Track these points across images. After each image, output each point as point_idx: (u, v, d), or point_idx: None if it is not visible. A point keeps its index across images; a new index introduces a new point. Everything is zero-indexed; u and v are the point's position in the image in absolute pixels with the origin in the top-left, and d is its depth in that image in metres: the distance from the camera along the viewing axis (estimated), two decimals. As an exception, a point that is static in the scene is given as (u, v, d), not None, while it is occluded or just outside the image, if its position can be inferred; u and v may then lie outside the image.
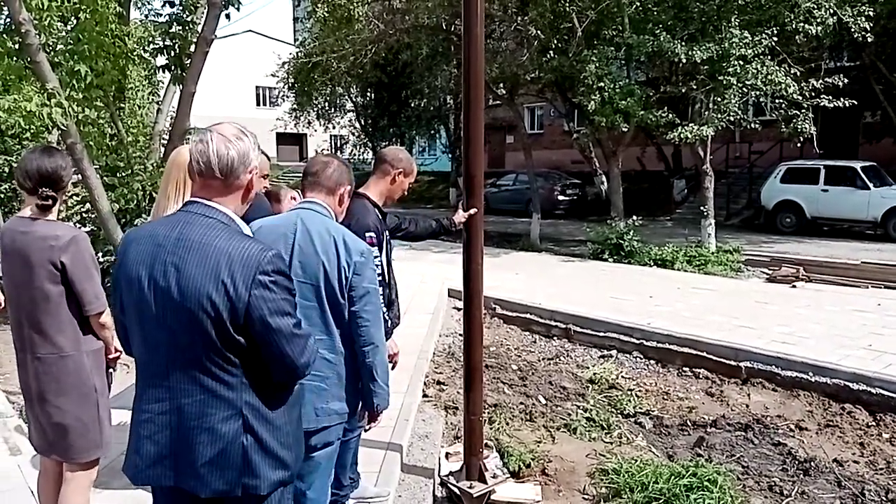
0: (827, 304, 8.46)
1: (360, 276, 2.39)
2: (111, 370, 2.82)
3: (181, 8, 8.37)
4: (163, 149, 8.41)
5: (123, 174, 7.92)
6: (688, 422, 5.37)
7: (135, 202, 7.64)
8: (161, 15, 8.65)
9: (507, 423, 5.18)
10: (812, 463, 4.53)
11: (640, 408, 5.60)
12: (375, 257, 2.97)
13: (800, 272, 10.68)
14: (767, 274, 11.13)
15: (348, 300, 2.40)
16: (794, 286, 9.92)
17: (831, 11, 11.05)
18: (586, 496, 4.20)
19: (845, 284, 10.10)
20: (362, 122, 28.35)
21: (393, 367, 3.14)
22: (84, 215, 7.49)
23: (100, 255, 7.83)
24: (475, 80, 3.69)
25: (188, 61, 7.78)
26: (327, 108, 27.40)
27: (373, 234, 3.01)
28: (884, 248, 12.69)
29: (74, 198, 7.75)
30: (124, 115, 8.67)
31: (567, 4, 12.96)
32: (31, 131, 8.82)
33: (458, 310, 7.77)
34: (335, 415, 2.45)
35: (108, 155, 7.98)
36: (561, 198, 20.99)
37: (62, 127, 6.38)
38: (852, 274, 10.57)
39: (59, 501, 2.62)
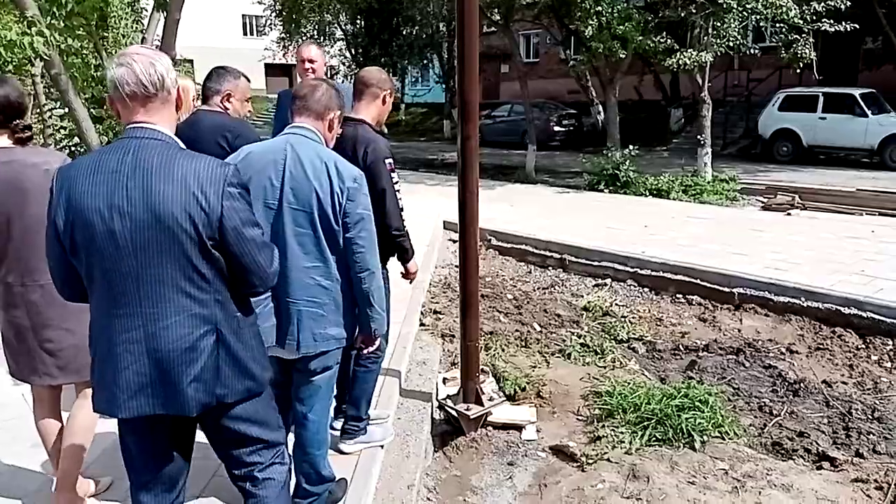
0: (821, 232, 8.50)
1: (354, 202, 2.38)
2: None
3: (163, -70, 7.99)
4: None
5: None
6: (680, 346, 5.47)
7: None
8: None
9: (503, 350, 5.27)
10: (801, 384, 4.65)
11: (634, 334, 5.70)
12: (396, 182, 3.02)
13: (795, 200, 10.69)
14: (763, 202, 11.14)
15: (343, 227, 2.38)
16: (788, 214, 9.94)
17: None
18: (580, 417, 4.32)
19: (840, 212, 10.12)
20: (353, 52, 27.67)
21: (410, 282, 3.46)
22: (73, 149, 7.37)
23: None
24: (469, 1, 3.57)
25: (171, -13, 7.48)
26: (317, 36, 26.64)
27: (391, 160, 3.02)
28: (879, 175, 12.67)
29: (62, 131, 7.62)
30: (108, 44, 8.41)
31: (564, -76, 12.46)
32: (14, 63, 8.58)
33: (454, 241, 7.79)
34: (333, 340, 2.48)
35: (94, 86, 7.79)
36: (557, 129, 20.72)
37: (45, 57, 6.21)
38: (847, 202, 10.58)
39: (71, 424, 2.66)
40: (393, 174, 3.00)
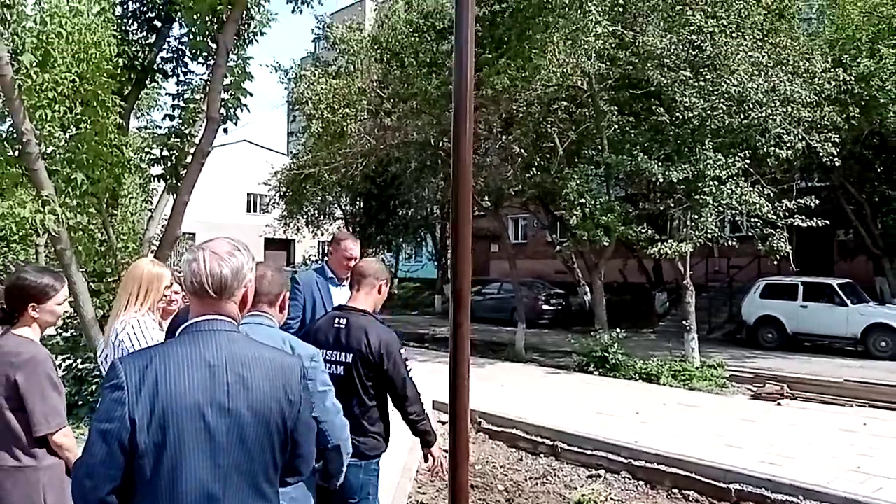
0: (813, 423, 8.40)
1: (314, 381, 2.45)
2: None
3: (180, 121, 8.67)
4: (152, 255, 8.46)
5: (110, 279, 7.92)
6: (679, 549, 5.17)
7: (119, 308, 7.59)
8: (160, 127, 8.93)
9: (492, 549, 4.96)
10: None
11: (630, 533, 5.41)
12: (409, 370, 3.23)
13: (784, 389, 10.65)
14: (752, 391, 11.09)
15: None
16: (778, 404, 9.87)
17: (800, 137, 11.74)
18: None
19: (830, 402, 10.06)
20: (351, 230, 28.83)
21: (432, 473, 3.64)
22: (67, 321, 7.41)
23: (79, 361, 7.69)
24: (463, 200, 3.84)
25: (183, 171, 7.96)
26: (317, 215, 27.93)
27: (402, 349, 3.21)
28: (865, 364, 12.78)
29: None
30: (116, 221, 8.78)
31: (548, 126, 13.66)
32: (21, 234, 8.88)
33: (442, 423, 7.61)
34: None
35: (97, 261, 8.00)
36: (545, 307, 21.12)
37: (54, 234, 6.43)
38: (836, 392, 10.55)
39: None
40: (407, 362, 3.20)
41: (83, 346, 7.44)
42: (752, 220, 12.46)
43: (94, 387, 7.21)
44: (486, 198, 15.95)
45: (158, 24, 8.98)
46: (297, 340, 2.55)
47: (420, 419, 3.19)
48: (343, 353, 3.10)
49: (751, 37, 11.84)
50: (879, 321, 13.99)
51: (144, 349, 1.93)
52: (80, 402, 7.20)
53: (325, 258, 4.47)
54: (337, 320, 3.13)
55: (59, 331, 7.85)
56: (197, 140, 7.97)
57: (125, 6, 8.88)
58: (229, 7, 7.26)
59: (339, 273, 4.20)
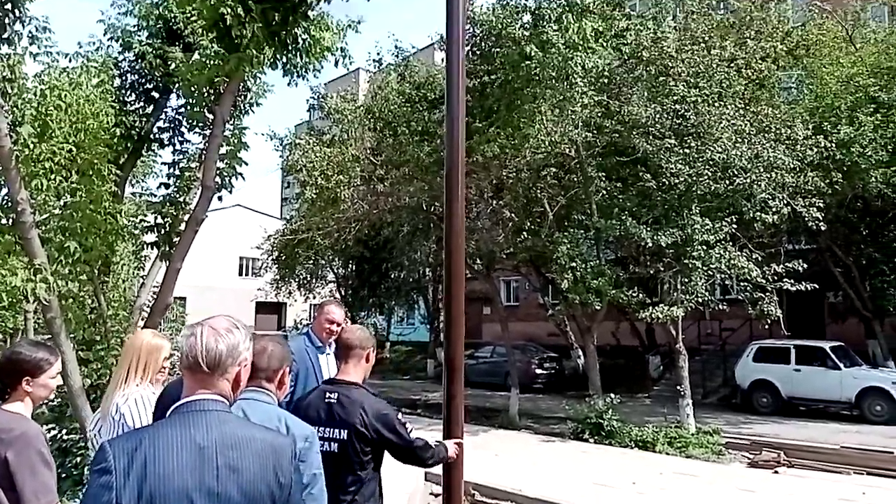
0: (811, 493, 8.25)
1: (307, 463, 2.38)
2: None
3: (175, 189, 8.74)
4: (142, 322, 8.40)
5: (99, 348, 7.83)
6: None
7: (107, 377, 7.47)
8: (155, 195, 9.00)
9: None
10: None
11: None
12: (410, 431, 3.16)
13: (781, 457, 10.51)
14: (749, 458, 10.93)
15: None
16: (776, 472, 9.71)
17: (785, 202, 11.96)
18: None
19: (827, 470, 9.90)
20: (342, 293, 28.77)
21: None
22: (55, 390, 7.29)
23: (64, 432, 7.52)
24: (456, 271, 3.88)
25: (177, 239, 7.98)
26: (309, 278, 27.91)
27: (399, 414, 3.16)
28: (862, 429, 12.64)
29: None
30: (107, 288, 8.73)
31: (538, 191, 13.89)
32: (10, 301, 8.79)
33: (435, 496, 7.44)
34: None
35: (86, 328, 7.93)
36: (539, 371, 20.93)
37: (45, 302, 6.40)
38: (833, 459, 10.41)
39: None
40: (407, 425, 3.14)
41: (69, 416, 7.29)
42: (742, 283, 12.56)
43: (78, 458, 7.02)
44: (478, 261, 16.04)
45: (156, 95, 9.15)
46: (294, 419, 2.49)
47: (437, 459, 3.31)
48: (337, 430, 3.02)
49: (733, 105, 12.22)
50: (873, 385, 13.90)
51: (134, 430, 1.93)
52: (64, 475, 7.00)
53: (309, 324, 4.46)
54: (328, 395, 3.08)
55: (46, 400, 7.71)
56: (191, 208, 8.03)
57: (124, 78, 9.04)
58: (226, 79, 7.43)
59: (322, 338, 4.20)
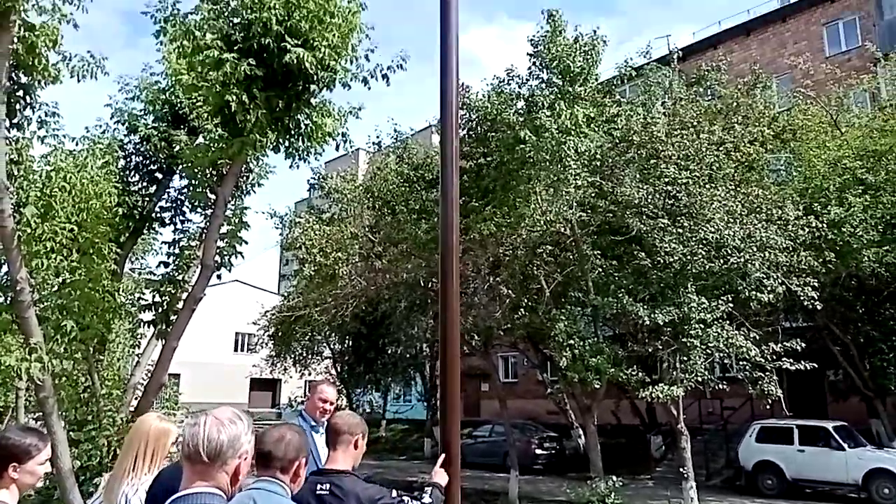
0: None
1: None
2: None
3: (174, 267, 8.80)
4: (136, 401, 8.29)
5: (91, 428, 7.69)
6: None
7: (97, 459, 7.33)
8: (154, 273, 9.06)
9: None
10: None
11: None
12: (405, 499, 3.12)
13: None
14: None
15: None
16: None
17: (780, 281, 12.04)
18: None
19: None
20: (338, 369, 28.44)
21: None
22: (42, 477, 7.12)
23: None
24: (451, 358, 3.90)
25: (174, 317, 7.97)
26: (304, 354, 27.66)
27: (395, 495, 3.10)
28: (871, 514, 12.28)
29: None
30: (102, 366, 8.67)
31: (535, 268, 14.01)
32: (2, 379, 8.72)
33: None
34: None
35: (79, 408, 7.82)
36: (539, 451, 20.44)
37: (38, 382, 6.35)
38: (843, 545, 10.08)
39: None
40: (405, 499, 3.10)
41: (56, 499, 7.10)
42: (741, 363, 12.47)
43: (64, 545, 6.80)
44: (476, 337, 15.98)
45: (160, 175, 9.32)
46: None
47: None
48: None
49: (723, 187, 12.51)
50: (880, 466, 13.60)
51: None
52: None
53: (302, 404, 4.48)
54: (319, 487, 3.01)
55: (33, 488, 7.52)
56: (190, 286, 8.06)
57: (128, 159, 9.21)
58: (229, 162, 7.63)
59: (315, 417, 4.22)
